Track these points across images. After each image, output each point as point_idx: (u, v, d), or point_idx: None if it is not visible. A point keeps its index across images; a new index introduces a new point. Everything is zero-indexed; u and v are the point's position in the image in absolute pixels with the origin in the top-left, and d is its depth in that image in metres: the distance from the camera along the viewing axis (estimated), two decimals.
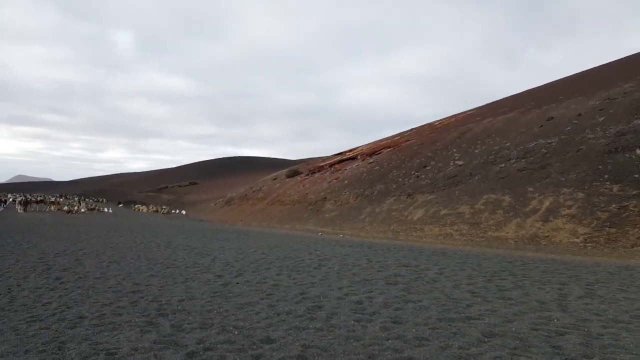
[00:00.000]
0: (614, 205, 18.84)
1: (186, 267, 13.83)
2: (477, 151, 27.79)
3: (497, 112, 34.29)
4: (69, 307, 9.07)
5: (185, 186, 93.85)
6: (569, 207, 20.07)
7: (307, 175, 42.04)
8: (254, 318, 7.97)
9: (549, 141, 24.58)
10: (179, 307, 8.88)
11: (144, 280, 11.74)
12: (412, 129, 43.41)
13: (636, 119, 22.30)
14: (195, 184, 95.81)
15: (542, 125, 26.58)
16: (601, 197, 19.60)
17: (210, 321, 7.84)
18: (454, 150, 29.37)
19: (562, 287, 10.41)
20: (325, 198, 32.51)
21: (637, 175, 19.42)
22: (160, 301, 9.38)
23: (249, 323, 7.68)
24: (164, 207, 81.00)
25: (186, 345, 6.62)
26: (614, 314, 7.99)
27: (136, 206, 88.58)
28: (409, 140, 36.25)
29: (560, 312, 8.08)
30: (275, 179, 49.87)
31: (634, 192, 18.85)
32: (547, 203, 20.98)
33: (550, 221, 19.85)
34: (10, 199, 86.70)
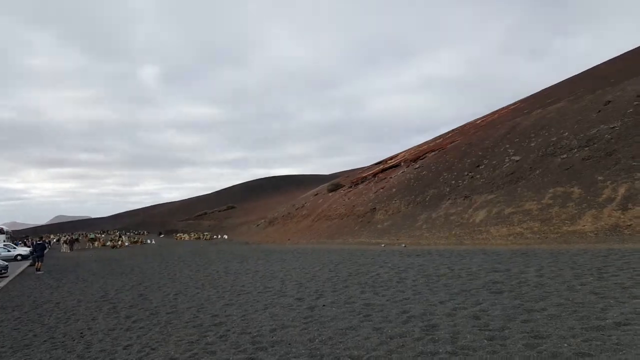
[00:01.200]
0: None
1: (258, 293, 13.13)
2: (532, 144, 26.28)
3: (543, 104, 32.65)
4: (153, 349, 8.44)
5: (223, 211, 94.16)
6: None
7: (350, 187, 41.11)
8: (367, 345, 7.08)
9: (612, 126, 22.93)
10: (274, 337, 8.11)
11: (220, 311, 11.08)
12: (453, 130, 41.97)
13: None
14: (233, 207, 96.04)
15: (599, 111, 24.92)
16: None
17: (318, 352, 7.00)
18: (507, 145, 27.92)
19: None
20: (374, 208, 31.46)
21: None
22: (251, 333, 8.64)
23: (365, 351, 6.79)
24: (205, 233, 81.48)
25: None
26: None
27: (178, 235, 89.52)
28: (454, 141, 34.90)
29: None
30: (316, 194, 49.11)
31: None
32: (622, 190, 19.36)
33: (630, 209, 18.23)
34: (54, 240, 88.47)
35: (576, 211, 19.95)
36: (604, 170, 21.02)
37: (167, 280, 18.65)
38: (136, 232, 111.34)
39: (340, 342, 7.35)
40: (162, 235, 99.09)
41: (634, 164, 20.30)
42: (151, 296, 14.88)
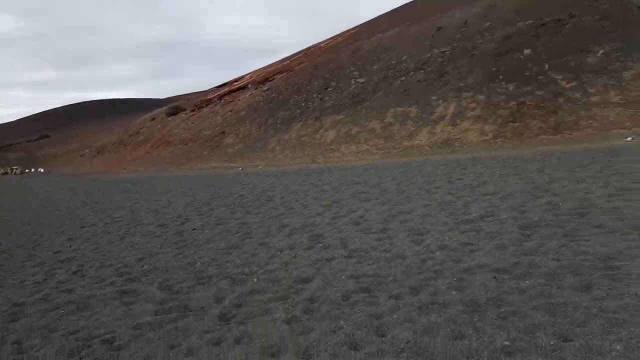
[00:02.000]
0: (512, 103, 20.29)
1: (106, 224, 11.46)
2: (375, 67, 27.71)
3: (382, 28, 34.32)
4: None
5: (34, 141, 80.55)
6: (473, 109, 21.17)
7: (194, 111, 38.56)
8: (257, 260, 6.62)
9: (443, 50, 25.34)
10: (144, 267, 7.08)
11: (63, 247, 9.34)
12: (299, 53, 41.86)
13: (519, 21, 23.87)
14: (47, 136, 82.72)
15: (433, 36, 27.23)
16: (500, 97, 20.94)
17: (204, 274, 6.31)
18: (352, 68, 28.95)
19: (530, 177, 10.60)
20: (223, 132, 30.22)
21: (528, 73, 21.01)
22: (113, 265, 7.41)
23: (257, 266, 6.33)
24: (14, 167, 69.16)
25: (203, 307, 5.14)
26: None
27: None
28: (301, 64, 34.88)
29: (560, 197, 8.11)
30: (153, 119, 44.97)
31: (527, 89, 20.45)
32: (451, 108, 21.87)
33: (458, 124, 20.82)
34: None
35: (414, 128, 21.96)
36: (437, 91, 23.31)
37: None
38: None
39: (227, 262, 6.75)
40: None
41: (461, 84, 22.88)
42: None
